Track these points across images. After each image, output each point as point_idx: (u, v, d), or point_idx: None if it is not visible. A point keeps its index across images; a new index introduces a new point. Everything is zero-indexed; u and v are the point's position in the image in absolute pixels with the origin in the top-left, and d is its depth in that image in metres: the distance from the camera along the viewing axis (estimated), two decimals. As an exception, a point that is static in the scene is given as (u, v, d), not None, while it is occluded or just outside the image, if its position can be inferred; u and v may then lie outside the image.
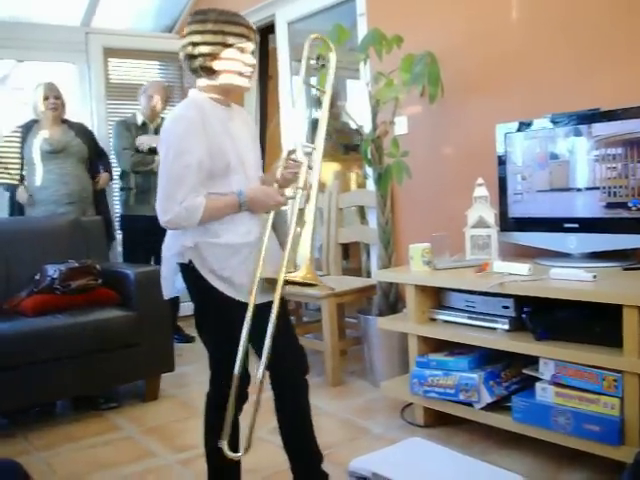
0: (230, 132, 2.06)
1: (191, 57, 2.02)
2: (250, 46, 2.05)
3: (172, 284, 2.15)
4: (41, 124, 4.32)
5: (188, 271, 2.05)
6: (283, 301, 2.16)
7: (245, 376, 2.10)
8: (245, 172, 2.08)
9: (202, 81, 2.07)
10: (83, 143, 4.45)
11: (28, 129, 4.33)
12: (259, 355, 2.12)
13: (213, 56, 2.00)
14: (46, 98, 4.28)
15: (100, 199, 4.67)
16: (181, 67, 5.57)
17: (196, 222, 1.97)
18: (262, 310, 2.01)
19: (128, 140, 4.56)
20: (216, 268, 2.02)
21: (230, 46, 2.00)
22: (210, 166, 1.99)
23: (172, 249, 2.08)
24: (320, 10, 4.48)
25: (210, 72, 2.03)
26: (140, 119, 4.66)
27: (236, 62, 2.03)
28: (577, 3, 2.95)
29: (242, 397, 2.15)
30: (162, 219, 1.98)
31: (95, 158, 4.60)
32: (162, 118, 4.73)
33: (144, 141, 4.51)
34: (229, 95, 2.12)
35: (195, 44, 1.99)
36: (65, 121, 4.44)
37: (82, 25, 5.25)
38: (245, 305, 2.01)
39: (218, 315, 2.08)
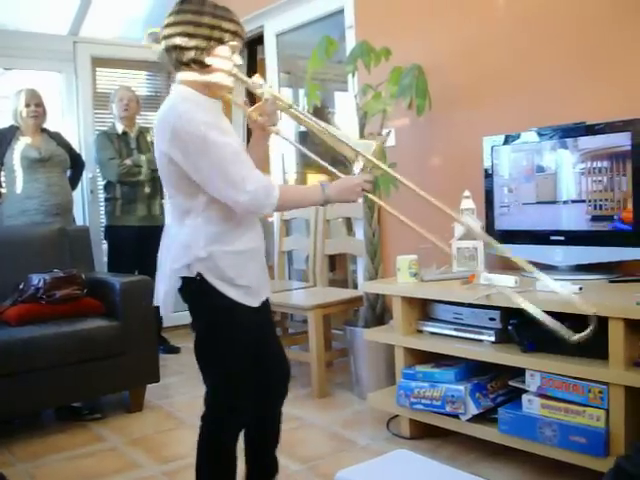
0: (227, 122, 2.02)
1: (182, 48, 1.91)
2: (240, 45, 2.00)
3: (174, 298, 2.01)
4: (22, 131, 4.26)
5: (193, 285, 1.95)
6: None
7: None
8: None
9: (188, 75, 1.96)
10: (66, 153, 4.41)
11: (11, 134, 4.25)
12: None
13: (208, 51, 1.92)
14: (27, 105, 4.21)
15: None
16: (169, 77, 5.57)
17: (275, 201, 1.87)
18: (265, 309, 2.12)
19: (112, 150, 4.54)
20: (233, 276, 1.94)
21: (224, 43, 1.94)
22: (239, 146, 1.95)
23: (181, 260, 1.95)
24: (309, 22, 4.51)
25: (202, 66, 1.93)
26: (120, 128, 4.64)
27: (227, 61, 1.96)
28: (562, 18, 2.98)
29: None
30: (239, 201, 1.86)
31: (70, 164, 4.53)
32: (139, 126, 4.74)
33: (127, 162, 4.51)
34: (211, 91, 2.01)
35: (190, 35, 1.90)
36: (44, 130, 4.37)
37: (70, 34, 5.23)
38: (256, 310, 2.03)
39: (233, 326, 1.99)
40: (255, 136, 2.16)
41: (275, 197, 1.88)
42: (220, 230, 1.95)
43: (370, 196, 2.11)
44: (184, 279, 1.96)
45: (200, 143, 1.84)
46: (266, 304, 2.14)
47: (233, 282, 1.95)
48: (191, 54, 1.92)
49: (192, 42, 1.91)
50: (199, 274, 1.93)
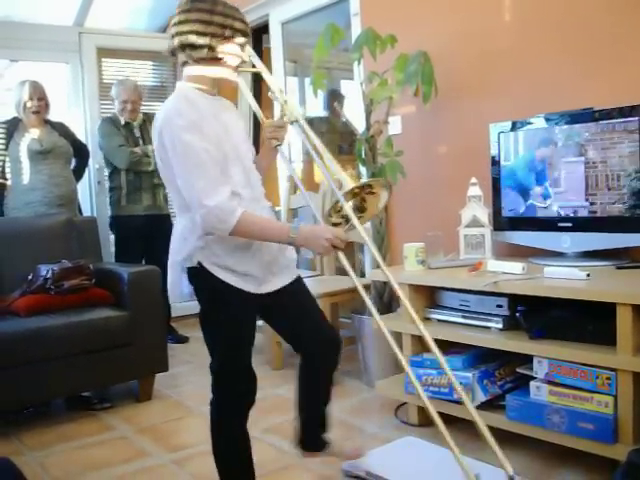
0: (222, 122, 2.01)
1: (194, 46, 1.95)
2: (246, 41, 2.04)
3: (181, 288, 2.07)
4: (25, 123, 4.25)
5: (196, 273, 2.00)
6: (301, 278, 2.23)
7: (253, 376, 2.11)
8: (242, 163, 2.03)
9: (194, 70, 2.01)
10: (68, 144, 4.40)
11: (13, 126, 4.25)
12: (293, 342, 2.24)
13: (214, 49, 1.96)
14: (30, 98, 4.20)
15: None
16: (175, 67, 5.56)
17: (230, 226, 1.87)
18: (286, 293, 2.12)
19: (121, 137, 4.51)
20: (230, 264, 1.98)
21: (232, 40, 1.98)
22: (216, 156, 1.92)
23: (182, 252, 2.01)
24: (314, 10, 4.49)
25: (211, 62, 1.98)
26: (122, 119, 4.61)
27: (236, 58, 2.02)
28: (570, 3, 2.95)
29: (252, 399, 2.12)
30: (195, 213, 1.90)
31: (75, 154, 4.53)
32: (142, 114, 4.71)
33: (137, 150, 4.51)
34: (218, 87, 2.09)
35: (201, 33, 1.94)
36: (47, 121, 4.36)
37: (75, 25, 5.24)
38: (258, 297, 2.05)
39: (230, 312, 2.02)
40: (265, 149, 2.24)
41: (230, 224, 1.87)
42: None
43: (340, 255, 2.01)
44: (188, 269, 2.02)
45: (176, 143, 1.88)
46: (287, 288, 2.14)
47: (230, 268, 1.99)
48: (203, 52, 1.95)
49: (202, 40, 1.94)
50: (199, 263, 1.98)
